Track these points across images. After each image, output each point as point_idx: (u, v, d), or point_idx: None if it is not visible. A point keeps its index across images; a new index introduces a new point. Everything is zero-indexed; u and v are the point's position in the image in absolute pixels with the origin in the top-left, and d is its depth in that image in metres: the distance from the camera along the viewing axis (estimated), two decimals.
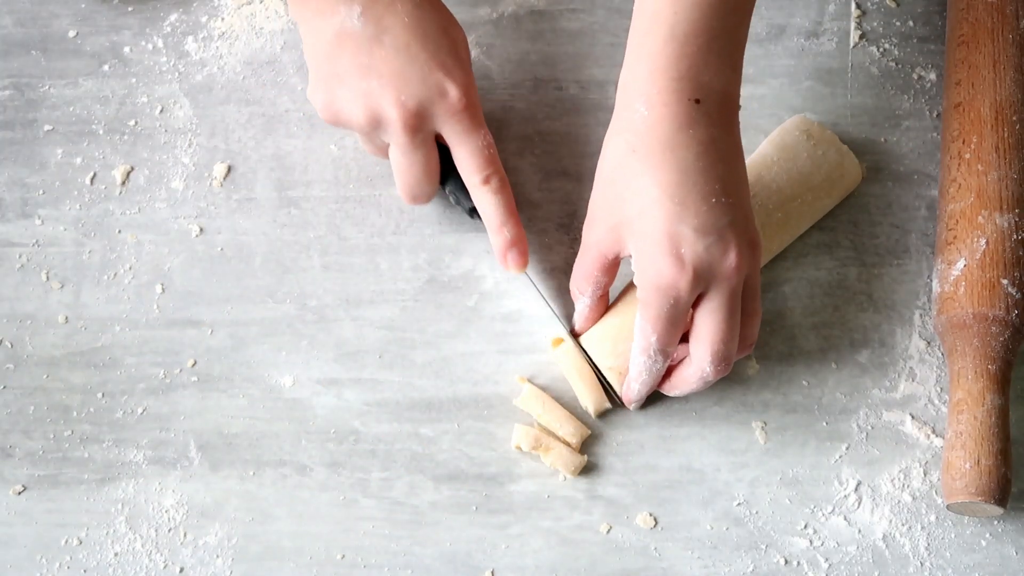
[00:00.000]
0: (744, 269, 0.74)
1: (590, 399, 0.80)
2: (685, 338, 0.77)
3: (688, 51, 0.72)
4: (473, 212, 0.82)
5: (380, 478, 0.81)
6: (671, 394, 0.79)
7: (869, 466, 0.80)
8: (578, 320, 0.81)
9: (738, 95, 0.76)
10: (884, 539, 0.79)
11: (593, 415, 0.81)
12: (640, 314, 0.75)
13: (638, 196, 0.73)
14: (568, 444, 0.80)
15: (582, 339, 0.81)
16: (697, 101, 0.73)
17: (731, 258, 0.73)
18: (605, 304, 0.80)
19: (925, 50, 0.90)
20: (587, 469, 0.80)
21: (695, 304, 0.75)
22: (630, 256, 0.75)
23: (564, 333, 0.82)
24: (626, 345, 0.78)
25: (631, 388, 0.78)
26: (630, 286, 0.80)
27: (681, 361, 0.78)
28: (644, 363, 0.76)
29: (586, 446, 0.81)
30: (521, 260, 0.80)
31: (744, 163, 0.76)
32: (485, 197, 0.80)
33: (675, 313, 0.74)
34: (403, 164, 0.79)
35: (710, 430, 0.81)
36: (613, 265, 0.77)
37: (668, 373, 0.79)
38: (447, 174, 0.81)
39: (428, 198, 0.82)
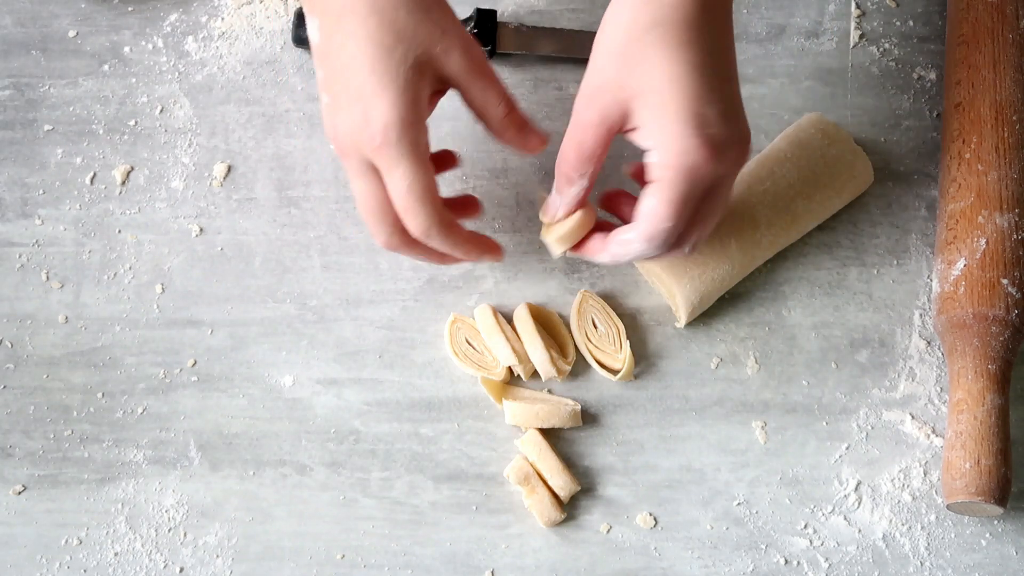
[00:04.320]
0: (744, 161, 0.72)
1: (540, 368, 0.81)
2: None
3: None
4: None
5: (380, 478, 0.81)
6: (600, 260, 0.76)
7: (869, 466, 0.80)
8: (565, 207, 0.75)
9: None
10: (884, 539, 0.79)
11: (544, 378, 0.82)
12: (656, 196, 0.70)
13: (659, 70, 0.69)
14: (555, 496, 0.80)
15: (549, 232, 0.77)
16: None
17: (743, 147, 0.71)
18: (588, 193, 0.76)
19: (925, 50, 0.90)
20: (587, 469, 0.80)
21: None
22: (632, 130, 0.71)
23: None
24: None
25: (615, 255, 0.74)
26: None
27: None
28: (641, 251, 0.72)
29: (579, 463, 0.81)
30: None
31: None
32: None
33: (696, 197, 0.70)
34: (358, 198, 0.74)
35: (710, 430, 0.81)
36: (610, 142, 0.72)
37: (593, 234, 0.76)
38: None
39: (390, 242, 0.74)
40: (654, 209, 0.70)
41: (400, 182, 0.71)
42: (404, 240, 0.74)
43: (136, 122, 0.89)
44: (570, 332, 0.83)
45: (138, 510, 0.80)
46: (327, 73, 0.72)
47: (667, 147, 0.69)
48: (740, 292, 0.84)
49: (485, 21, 0.88)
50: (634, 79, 0.70)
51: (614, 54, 0.71)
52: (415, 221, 0.72)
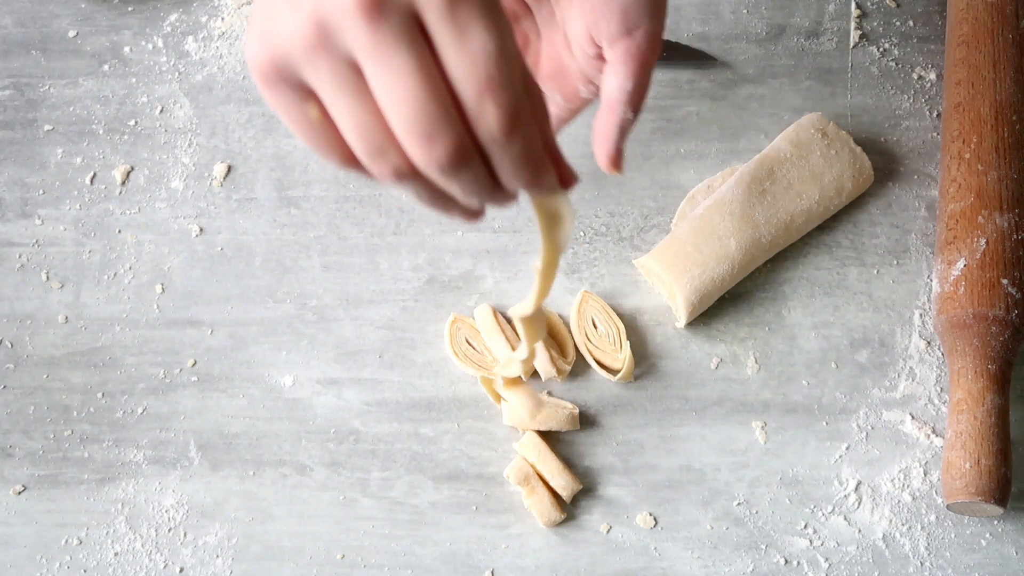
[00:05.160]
0: None
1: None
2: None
3: None
4: None
5: (380, 478, 0.81)
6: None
7: (869, 466, 0.80)
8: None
9: None
10: (884, 539, 0.79)
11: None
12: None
13: None
14: (555, 496, 0.79)
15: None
16: None
17: None
18: None
19: (925, 50, 0.90)
20: (587, 469, 0.80)
21: None
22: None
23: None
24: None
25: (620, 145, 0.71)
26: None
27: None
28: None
29: (579, 464, 0.81)
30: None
31: None
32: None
33: None
34: (390, 82, 0.47)
35: (710, 430, 0.81)
36: None
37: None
38: None
39: (456, 152, 0.49)
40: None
41: (489, 41, 0.47)
42: (470, 153, 0.50)
43: (136, 122, 0.89)
44: (570, 332, 0.83)
45: (138, 510, 0.80)
46: None
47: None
48: (740, 292, 0.84)
49: None
50: None
51: None
52: (505, 97, 0.48)
